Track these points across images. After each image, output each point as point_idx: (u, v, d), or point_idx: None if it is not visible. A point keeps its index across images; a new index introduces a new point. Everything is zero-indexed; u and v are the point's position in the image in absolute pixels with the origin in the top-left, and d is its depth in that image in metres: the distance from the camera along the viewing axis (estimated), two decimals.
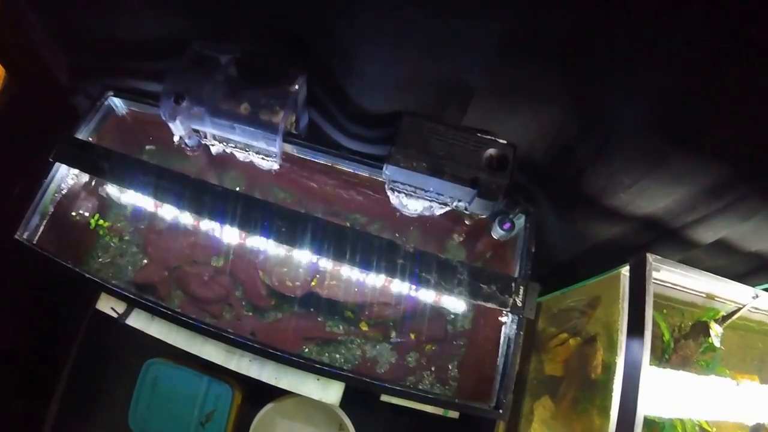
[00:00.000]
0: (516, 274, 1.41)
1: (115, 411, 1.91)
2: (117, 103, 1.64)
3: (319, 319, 1.76)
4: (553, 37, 1.10)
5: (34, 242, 1.47)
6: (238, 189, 1.81)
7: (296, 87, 1.40)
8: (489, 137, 1.35)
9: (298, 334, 1.72)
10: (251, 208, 1.34)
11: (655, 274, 1.30)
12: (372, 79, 1.38)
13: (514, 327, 1.34)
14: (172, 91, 1.40)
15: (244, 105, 1.41)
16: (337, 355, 1.73)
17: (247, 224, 1.33)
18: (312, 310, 1.77)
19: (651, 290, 1.27)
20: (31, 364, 1.90)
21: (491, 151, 1.34)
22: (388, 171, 1.34)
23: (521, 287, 1.30)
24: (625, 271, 1.38)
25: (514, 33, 1.10)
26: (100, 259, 1.79)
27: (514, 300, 1.29)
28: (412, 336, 1.75)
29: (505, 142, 1.35)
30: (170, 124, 1.46)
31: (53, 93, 1.72)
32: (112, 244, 1.82)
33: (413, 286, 1.41)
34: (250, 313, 1.78)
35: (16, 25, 1.48)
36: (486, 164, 1.33)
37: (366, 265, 1.28)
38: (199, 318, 1.39)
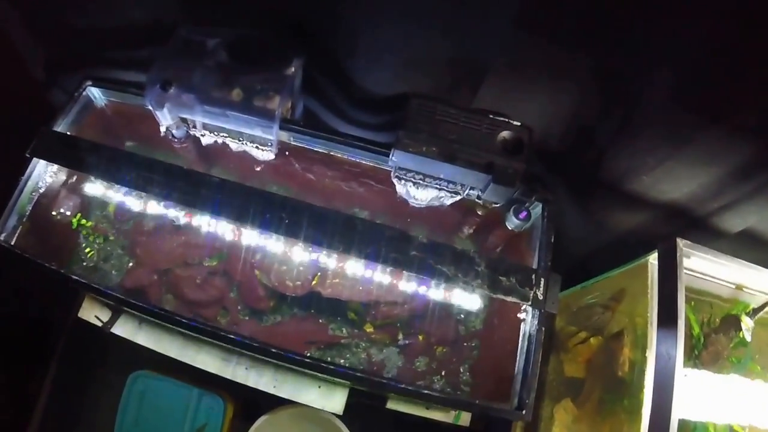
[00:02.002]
0: (534, 267, 1.31)
1: (100, 428, 1.79)
2: (96, 94, 1.51)
3: (321, 321, 1.64)
4: (575, 5, 1.01)
5: (12, 244, 1.35)
6: None
7: (292, 70, 1.30)
8: (503, 119, 1.25)
9: (299, 339, 1.60)
10: (249, 199, 1.23)
11: (685, 262, 1.21)
12: (376, 60, 1.28)
13: (535, 323, 1.24)
14: (158, 78, 1.29)
15: (236, 91, 1.31)
16: (341, 360, 1.61)
17: (245, 217, 1.22)
18: (313, 311, 1.65)
19: (683, 278, 1.17)
20: (8, 380, 1.77)
21: (505, 134, 1.24)
22: (396, 157, 1.24)
23: (542, 279, 1.20)
24: (652, 259, 1.27)
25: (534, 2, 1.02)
26: (83, 263, 1.67)
27: (535, 293, 1.19)
28: (421, 338, 1.64)
29: (519, 124, 1.25)
30: (157, 113, 1.35)
31: (27, 87, 1.61)
32: (96, 245, 1.69)
33: (423, 283, 1.31)
34: (247, 318, 1.65)
35: None
36: (500, 148, 1.23)
37: (377, 257, 1.17)
38: None
